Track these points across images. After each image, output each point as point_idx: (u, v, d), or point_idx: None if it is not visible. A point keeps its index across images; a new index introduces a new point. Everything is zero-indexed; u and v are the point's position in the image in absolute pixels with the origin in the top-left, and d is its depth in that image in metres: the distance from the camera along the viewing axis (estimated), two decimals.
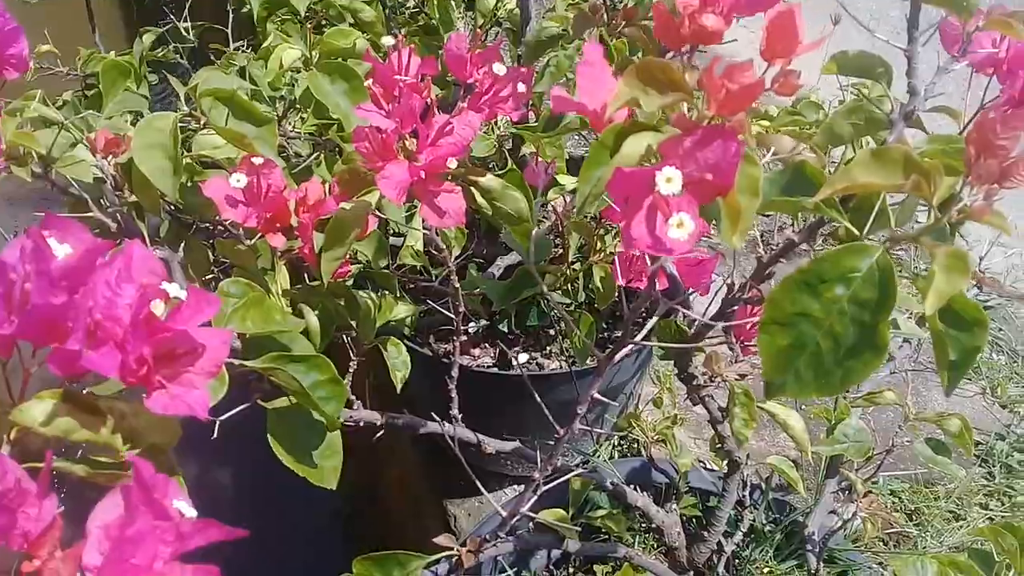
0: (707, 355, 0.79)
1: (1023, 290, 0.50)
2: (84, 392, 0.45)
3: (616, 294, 1.07)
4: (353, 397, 0.81)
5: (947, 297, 0.41)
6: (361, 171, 0.69)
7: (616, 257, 1.02)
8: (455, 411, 0.88)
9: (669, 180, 0.43)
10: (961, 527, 1.35)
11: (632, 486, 0.94)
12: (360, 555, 0.75)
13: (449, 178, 0.68)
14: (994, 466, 1.45)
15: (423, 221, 0.70)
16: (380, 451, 1.21)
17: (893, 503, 1.38)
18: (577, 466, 1.03)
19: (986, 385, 1.62)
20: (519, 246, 0.75)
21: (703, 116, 0.45)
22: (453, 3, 1.24)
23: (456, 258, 1.00)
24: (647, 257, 0.86)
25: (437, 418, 0.88)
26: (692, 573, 0.98)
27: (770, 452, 1.35)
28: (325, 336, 0.77)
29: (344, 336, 0.87)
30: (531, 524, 0.94)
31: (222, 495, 1.84)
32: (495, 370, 1.19)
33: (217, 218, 0.78)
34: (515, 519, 0.79)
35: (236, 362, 0.64)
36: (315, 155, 1.05)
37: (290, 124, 1.12)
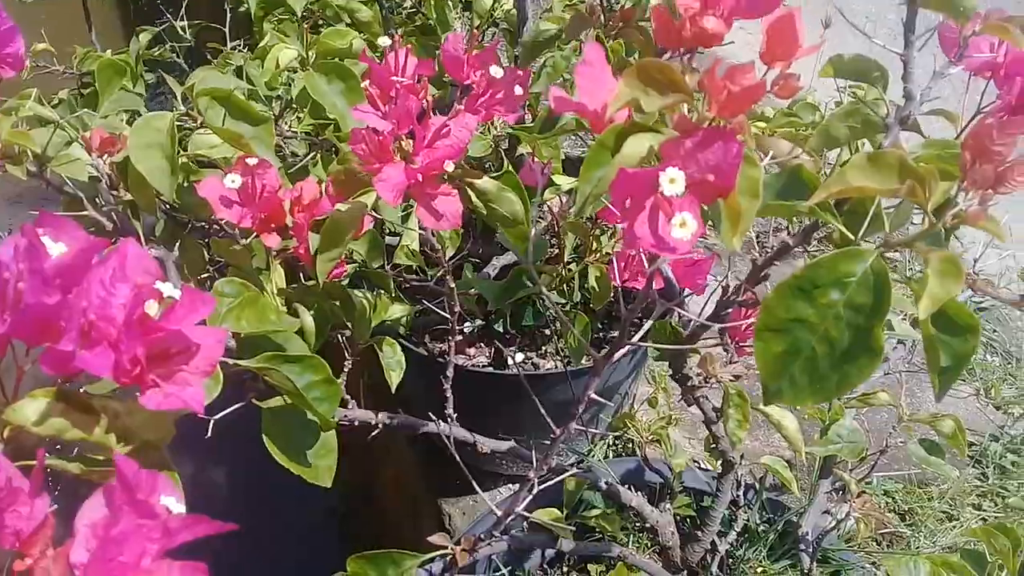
0: (702, 356, 0.79)
1: (1017, 292, 0.49)
2: (78, 391, 0.45)
3: (612, 294, 1.07)
4: (348, 396, 0.81)
5: (940, 302, 0.41)
6: (357, 172, 0.69)
7: (614, 257, 1.02)
8: (450, 411, 0.88)
9: (673, 181, 0.43)
10: (954, 527, 1.35)
11: (627, 486, 0.95)
12: (354, 554, 0.75)
13: (445, 179, 0.68)
14: (987, 467, 1.46)
15: (419, 222, 0.70)
16: (375, 450, 1.21)
17: (887, 503, 1.39)
18: (572, 466, 1.03)
19: (980, 386, 1.63)
20: (515, 246, 0.76)
21: (704, 117, 0.45)
22: (450, 3, 1.25)
23: (451, 258, 1.00)
24: (645, 258, 0.86)
25: (433, 417, 0.88)
26: (686, 572, 0.98)
27: (764, 452, 1.35)
28: (320, 336, 0.77)
29: (339, 335, 0.87)
30: (526, 523, 0.94)
31: (217, 494, 1.84)
32: (490, 370, 1.19)
33: (212, 218, 0.78)
34: (510, 518, 0.79)
35: (231, 361, 0.64)
36: (311, 155, 1.05)
37: (286, 124, 1.12)
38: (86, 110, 0.88)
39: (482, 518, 1.04)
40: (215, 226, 0.82)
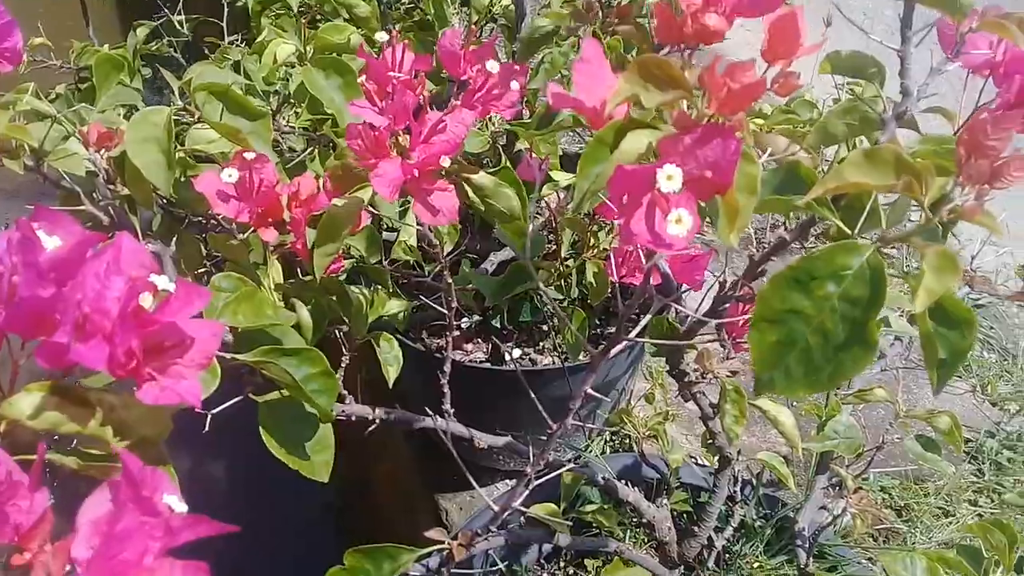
0: (699, 352, 0.79)
1: (1014, 289, 0.50)
2: (74, 384, 0.45)
3: (609, 290, 1.07)
4: (345, 392, 0.81)
5: (937, 296, 0.41)
6: (354, 167, 0.69)
7: (611, 253, 1.02)
8: (447, 406, 0.88)
9: (670, 178, 0.43)
10: (950, 523, 1.36)
11: (623, 481, 0.95)
12: (351, 548, 0.75)
13: (442, 175, 0.68)
14: (984, 463, 1.46)
15: (416, 217, 0.70)
16: (372, 445, 1.21)
17: (883, 499, 1.39)
18: (569, 461, 1.03)
19: (976, 383, 1.63)
20: (512, 242, 0.76)
21: (703, 114, 0.45)
22: None
23: (449, 254, 1.00)
24: (642, 253, 0.86)
25: (430, 413, 0.88)
26: (682, 568, 0.98)
27: (761, 448, 1.35)
28: (317, 331, 0.77)
29: (336, 331, 0.87)
30: (522, 518, 0.94)
31: (214, 488, 1.84)
32: (488, 366, 1.19)
33: (210, 212, 0.78)
34: (506, 513, 0.79)
35: (228, 356, 0.64)
36: (309, 150, 1.05)
37: (284, 119, 1.12)
38: (83, 105, 0.88)
39: (479, 513, 1.04)
40: (212, 221, 0.82)
